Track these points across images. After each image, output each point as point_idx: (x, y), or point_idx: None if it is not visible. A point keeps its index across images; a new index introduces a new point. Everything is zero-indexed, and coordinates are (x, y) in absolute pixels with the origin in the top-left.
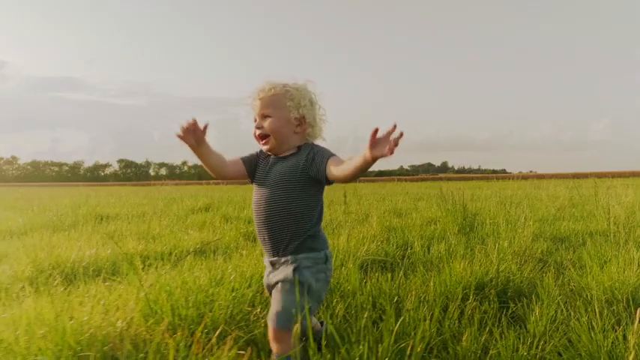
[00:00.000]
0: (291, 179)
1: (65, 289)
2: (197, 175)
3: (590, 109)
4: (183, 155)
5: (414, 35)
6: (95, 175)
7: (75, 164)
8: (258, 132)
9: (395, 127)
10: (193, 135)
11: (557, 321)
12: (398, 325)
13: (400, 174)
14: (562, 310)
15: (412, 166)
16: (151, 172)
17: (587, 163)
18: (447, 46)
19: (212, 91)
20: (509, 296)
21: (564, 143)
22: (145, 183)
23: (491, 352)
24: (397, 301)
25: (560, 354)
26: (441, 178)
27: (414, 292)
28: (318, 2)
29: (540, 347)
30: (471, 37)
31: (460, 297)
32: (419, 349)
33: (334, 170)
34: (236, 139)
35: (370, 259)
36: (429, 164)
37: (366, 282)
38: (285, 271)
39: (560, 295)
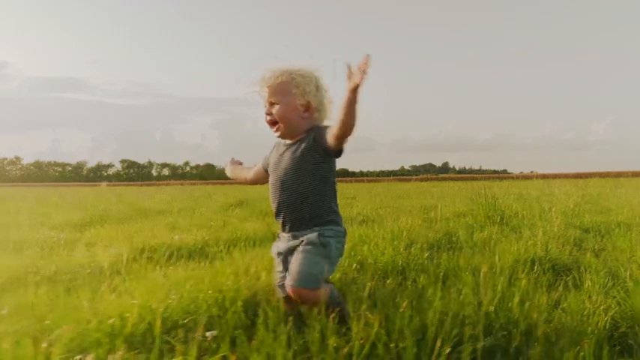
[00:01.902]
0: (302, 162)
1: (183, 264)
2: (199, 176)
3: (591, 109)
4: (186, 155)
5: (414, 35)
6: (98, 176)
7: (78, 164)
8: (267, 118)
9: (366, 58)
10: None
11: (607, 286)
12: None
13: (401, 174)
14: (609, 279)
15: (413, 166)
16: (154, 173)
17: (588, 164)
18: (447, 46)
19: (214, 91)
20: (557, 271)
21: (565, 143)
22: (148, 183)
23: (562, 304)
24: (472, 272)
25: (620, 304)
26: (444, 178)
27: (486, 265)
28: (318, 2)
29: (600, 302)
30: (471, 37)
31: (521, 269)
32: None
33: (331, 129)
34: (238, 139)
35: (430, 242)
36: (430, 164)
37: (433, 259)
38: (309, 235)
39: (604, 268)
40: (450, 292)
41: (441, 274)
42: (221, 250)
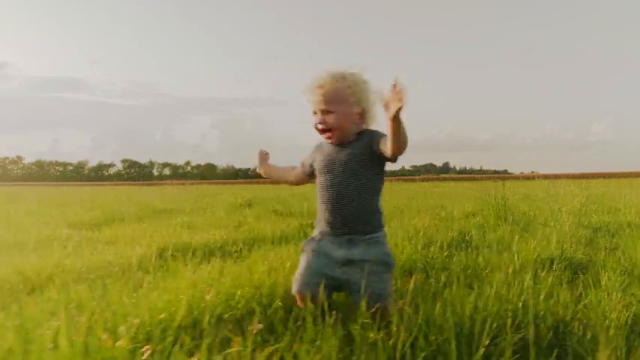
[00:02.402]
0: (358, 164)
1: (209, 262)
2: (200, 175)
3: (591, 109)
4: (186, 155)
5: (414, 35)
6: (99, 175)
7: (79, 164)
8: (320, 126)
9: (395, 81)
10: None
11: (625, 284)
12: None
13: (402, 174)
14: (626, 277)
15: (414, 166)
16: (155, 172)
17: (588, 164)
18: (447, 46)
19: (214, 91)
20: (573, 269)
21: (565, 143)
22: (150, 183)
23: (583, 301)
24: (492, 270)
25: None
26: (445, 179)
27: (507, 263)
28: (318, 2)
29: (620, 298)
30: (471, 37)
31: (539, 267)
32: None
33: (387, 146)
34: (238, 139)
35: (447, 241)
36: (431, 164)
37: (453, 258)
38: (374, 251)
39: (619, 267)
40: (476, 289)
41: (462, 272)
42: (240, 249)
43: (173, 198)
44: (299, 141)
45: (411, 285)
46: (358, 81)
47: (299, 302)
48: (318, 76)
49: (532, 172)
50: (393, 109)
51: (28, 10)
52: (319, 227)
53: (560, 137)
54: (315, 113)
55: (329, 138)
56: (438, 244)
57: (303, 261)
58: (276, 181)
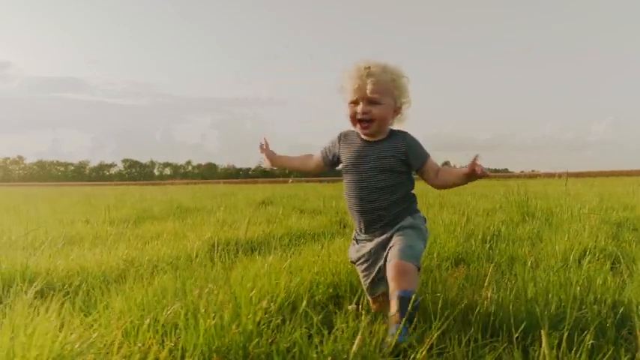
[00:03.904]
0: (391, 163)
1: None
2: (201, 175)
3: (591, 109)
4: (186, 155)
5: (414, 35)
6: (100, 175)
7: (80, 164)
8: (363, 117)
9: (475, 158)
10: (267, 158)
11: None
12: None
13: None
14: None
15: None
16: (156, 172)
17: (589, 164)
18: (447, 46)
19: (214, 91)
20: (607, 261)
21: (565, 143)
22: (152, 183)
23: (629, 287)
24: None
25: None
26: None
27: (549, 253)
28: (318, 2)
29: None
30: (471, 37)
31: (578, 258)
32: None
33: (433, 178)
34: (238, 139)
35: (481, 235)
36: None
37: (495, 249)
38: (406, 221)
39: None
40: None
41: (506, 263)
42: (287, 244)
43: (193, 197)
44: (299, 141)
45: (463, 274)
46: (401, 75)
47: (371, 304)
48: (364, 64)
49: (532, 171)
50: (472, 176)
51: (28, 10)
52: (355, 229)
53: (560, 137)
54: (354, 103)
55: (364, 129)
56: (480, 237)
57: (358, 271)
58: (294, 170)
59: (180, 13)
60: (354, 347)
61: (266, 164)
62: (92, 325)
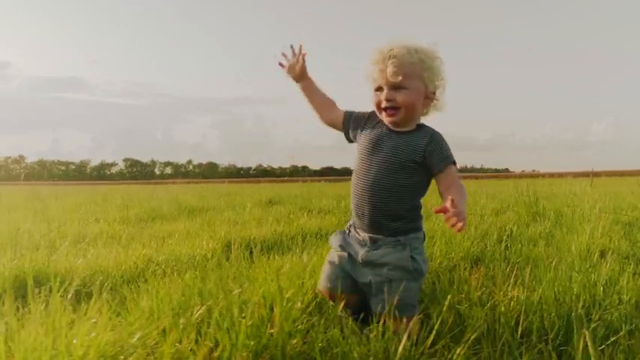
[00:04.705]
0: (408, 159)
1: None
2: (202, 174)
3: (591, 109)
4: (186, 155)
5: (414, 35)
6: (101, 174)
7: (81, 163)
8: (387, 104)
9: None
10: (297, 69)
11: None
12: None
13: None
14: None
15: None
16: (157, 171)
17: (589, 164)
18: (447, 46)
19: (214, 91)
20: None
21: (565, 143)
22: (153, 182)
23: None
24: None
25: None
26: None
27: (565, 253)
28: (318, 2)
29: None
30: (471, 37)
31: (596, 258)
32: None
33: (442, 189)
34: (238, 139)
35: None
36: None
37: (512, 250)
38: (397, 255)
39: None
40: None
41: (524, 262)
42: (302, 242)
43: (198, 196)
44: (299, 140)
45: (482, 274)
46: (433, 56)
47: (327, 298)
48: (387, 46)
49: (533, 171)
50: (457, 230)
51: (28, 10)
52: (352, 217)
53: (560, 137)
54: (378, 90)
55: (390, 117)
56: (495, 237)
57: (329, 256)
58: (313, 106)
59: (180, 13)
60: (400, 347)
61: (292, 74)
62: (132, 324)
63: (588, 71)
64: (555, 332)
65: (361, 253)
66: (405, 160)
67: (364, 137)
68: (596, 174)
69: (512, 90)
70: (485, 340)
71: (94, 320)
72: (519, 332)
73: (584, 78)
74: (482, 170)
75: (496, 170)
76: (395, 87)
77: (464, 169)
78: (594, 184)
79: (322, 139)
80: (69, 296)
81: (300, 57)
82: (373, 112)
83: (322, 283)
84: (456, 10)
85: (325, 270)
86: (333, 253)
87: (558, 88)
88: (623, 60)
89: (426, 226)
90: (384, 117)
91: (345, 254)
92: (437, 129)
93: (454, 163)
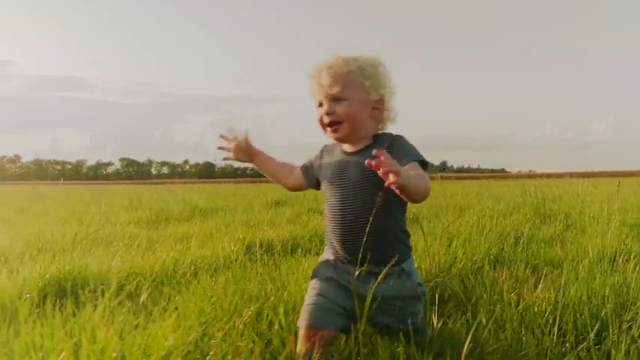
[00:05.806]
0: (377, 177)
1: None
2: (198, 174)
3: (591, 109)
4: (185, 155)
5: (414, 35)
6: (97, 174)
7: (78, 162)
8: (328, 119)
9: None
10: (243, 151)
11: None
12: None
13: None
14: None
15: None
16: (153, 171)
17: (589, 164)
18: (447, 46)
19: (213, 90)
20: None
21: (565, 143)
22: (149, 182)
23: None
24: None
25: None
26: (441, 177)
27: (581, 255)
28: (318, 2)
29: None
30: (471, 37)
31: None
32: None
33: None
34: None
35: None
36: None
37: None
38: (407, 285)
39: None
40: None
41: (543, 264)
42: (320, 244)
43: (205, 197)
44: (299, 140)
45: (505, 275)
46: (374, 63)
47: (304, 337)
48: (324, 60)
49: (529, 171)
50: (390, 182)
51: (28, 10)
52: (331, 249)
53: (560, 137)
54: (321, 105)
55: (334, 132)
56: (512, 240)
57: (315, 289)
58: (272, 179)
59: (180, 13)
60: (464, 350)
61: (240, 157)
62: (193, 325)
63: (588, 71)
64: (595, 332)
65: (362, 290)
66: (374, 175)
67: (325, 169)
68: (595, 174)
69: (512, 90)
70: (524, 340)
71: (164, 322)
72: (555, 332)
73: (584, 78)
74: (479, 170)
75: (493, 170)
76: (334, 99)
77: (461, 169)
78: (595, 185)
79: (322, 139)
80: (141, 300)
81: (243, 139)
82: (324, 146)
83: (308, 321)
84: (456, 10)
85: (316, 302)
86: (321, 285)
87: (558, 88)
88: (623, 60)
89: (439, 227)
90: (328, 133)
91: (339, 288)
92: (437, 129)
93: (422, 161)
